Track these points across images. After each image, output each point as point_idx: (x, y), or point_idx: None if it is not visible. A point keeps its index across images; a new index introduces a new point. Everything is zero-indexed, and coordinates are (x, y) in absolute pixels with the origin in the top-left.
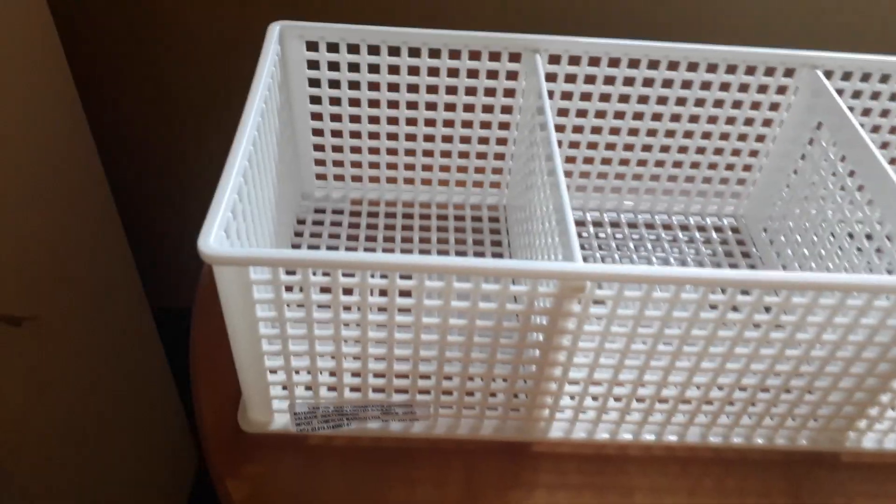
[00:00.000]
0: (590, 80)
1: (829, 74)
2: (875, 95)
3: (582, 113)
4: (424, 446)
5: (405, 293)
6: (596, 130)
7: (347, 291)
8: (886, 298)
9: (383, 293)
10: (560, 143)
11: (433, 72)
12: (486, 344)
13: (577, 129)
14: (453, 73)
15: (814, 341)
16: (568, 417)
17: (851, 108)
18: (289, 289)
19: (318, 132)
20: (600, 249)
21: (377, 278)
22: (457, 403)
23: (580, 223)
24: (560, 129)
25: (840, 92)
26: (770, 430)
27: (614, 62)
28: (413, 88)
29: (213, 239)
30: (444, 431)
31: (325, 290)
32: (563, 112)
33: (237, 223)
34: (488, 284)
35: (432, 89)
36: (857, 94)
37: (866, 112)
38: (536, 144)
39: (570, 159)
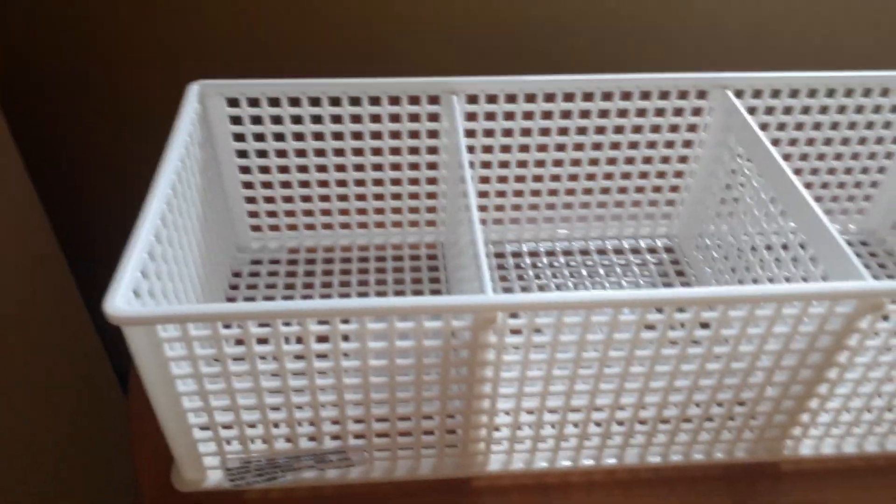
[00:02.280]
0: (509, 116)
1: (739, 94)
2: (787, 110)
3: (506, 148)
4: (363, 491)
5: (324, 338)
6: (522, 164)
7: (264, 341)
8: (794, 306)
9: (301, 340)
10: (488, 179)
11: (356, 119)
12: (411, 382)
13: (504, 164)
14: (376, 118)
15: (732, 354)
16: (504, 449)
17: (766, 125)
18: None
19: (248, 185)
20: (537, 279)
21: (292, 326)
22: (391, 445)
23: (517, 255)
24: (487, 164)
25: (753, 109)
26: (707, 444)
27: (531, 98)
28: (338, 136)
29: (120, 299)
30: (382, 474)
31: (242, 341)
32: (488, 148)
33: (150, 282)
34: (405, 323)
35: (357, 135)
36: (770, 111)
37: (781, 126)
38: (460, 182)
39: (500, 193)
